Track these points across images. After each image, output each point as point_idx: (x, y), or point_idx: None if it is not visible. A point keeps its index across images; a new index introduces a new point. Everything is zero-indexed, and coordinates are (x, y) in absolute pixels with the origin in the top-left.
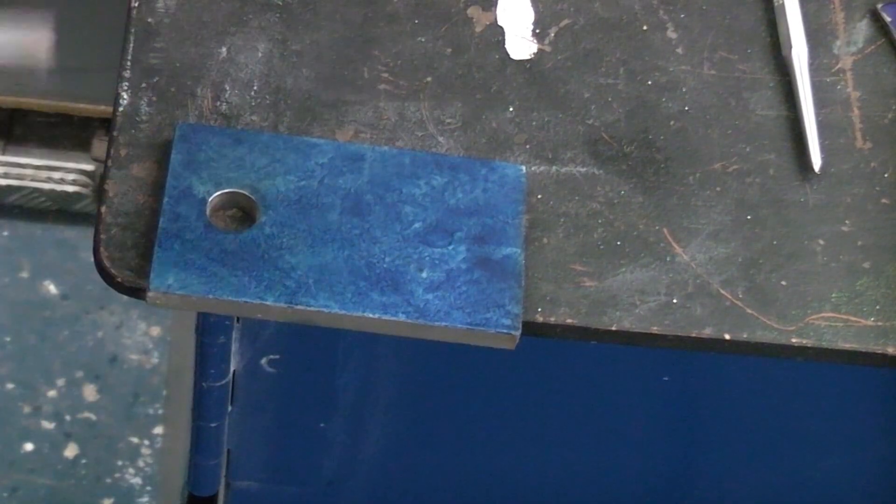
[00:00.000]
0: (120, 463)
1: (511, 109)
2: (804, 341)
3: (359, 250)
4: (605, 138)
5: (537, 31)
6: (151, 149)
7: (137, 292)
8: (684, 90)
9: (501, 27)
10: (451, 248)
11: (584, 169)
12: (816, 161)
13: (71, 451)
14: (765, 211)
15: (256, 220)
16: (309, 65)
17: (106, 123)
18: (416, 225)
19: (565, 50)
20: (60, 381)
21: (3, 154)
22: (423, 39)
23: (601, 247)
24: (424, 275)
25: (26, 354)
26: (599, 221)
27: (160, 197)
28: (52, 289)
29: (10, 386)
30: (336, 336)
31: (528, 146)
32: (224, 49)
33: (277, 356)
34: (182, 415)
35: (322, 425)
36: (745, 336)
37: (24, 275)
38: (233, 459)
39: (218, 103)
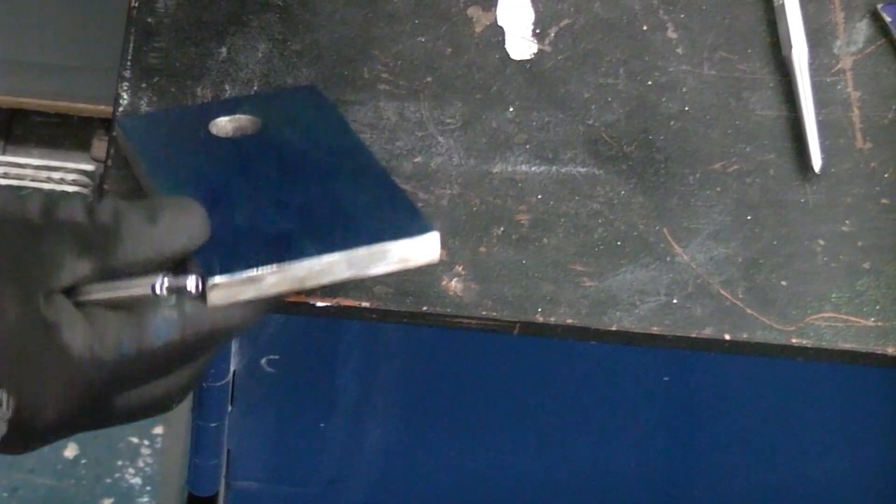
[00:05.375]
0: (120, 463)
1: (511, 109)
2: (804, 341)
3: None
4: (605, 138)
5: (537, 31)
6: None
7: None
8: (684, 90)
9: (501, 27)
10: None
11: (584, 169)
12: (816, 161)
13: (71, 450)
14: (765, 211)
15: None
16: (309, 65)
17: (106, 123)
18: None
19: (565, 50)
20: None
21: (3, 154)
22: (423, 39)
23: (601, 247)
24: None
25: None
26: (599, 221)
27: None
28: None
29: None
30: (335, 336)
31: (528, 146)
32: (224, 49)
33: (277, 356)
34: (182, 415)
35: (322, 425)
36: (745, 336)
37: None
38: (233, 459)
39: None
